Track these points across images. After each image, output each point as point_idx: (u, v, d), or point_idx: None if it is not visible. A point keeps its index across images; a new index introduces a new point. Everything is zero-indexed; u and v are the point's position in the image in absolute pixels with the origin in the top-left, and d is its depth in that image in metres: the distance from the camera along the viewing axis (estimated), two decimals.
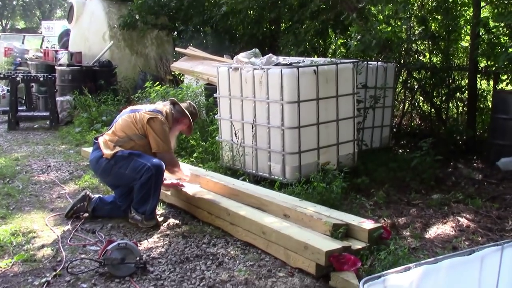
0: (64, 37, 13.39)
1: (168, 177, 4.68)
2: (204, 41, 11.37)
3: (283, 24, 10.83)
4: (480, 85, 8.17)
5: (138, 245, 3.83)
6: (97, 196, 4.61)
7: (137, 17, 11.25)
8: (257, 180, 5.45)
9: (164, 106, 4.54)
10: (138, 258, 3.43)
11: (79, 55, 10.69)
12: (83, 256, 3.71)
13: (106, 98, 9.12)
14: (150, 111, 4.39)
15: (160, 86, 7.73)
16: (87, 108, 8.88)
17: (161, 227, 4.33)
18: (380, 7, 7.39)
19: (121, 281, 3.32)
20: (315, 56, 9.25)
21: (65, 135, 8.42)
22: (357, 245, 3.60)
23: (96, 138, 4.52)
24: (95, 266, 3.47)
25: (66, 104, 9.40)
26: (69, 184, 5.64)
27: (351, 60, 5.69)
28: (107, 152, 4.27)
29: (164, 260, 3.67)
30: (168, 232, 4.22)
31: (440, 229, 4.34)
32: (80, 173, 6.07)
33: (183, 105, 4.68)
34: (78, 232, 4.19)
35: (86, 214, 4.52)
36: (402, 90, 8.86)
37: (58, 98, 9.50)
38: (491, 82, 7.95)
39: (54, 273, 3.41)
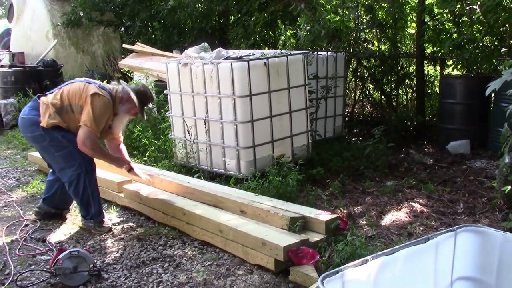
0: (5, 37, 12.89)
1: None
2: (153, 37, 11.16)
3: (232, 17, 10.75)
4: (428, 71, 8.38)
5: (91, 251, 3.69)
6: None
7: (81, 14, 10.92)
8: (212, 176, 5.38)
9: (115, 86, 4.22)
10: (91, 266, 3.30)
11: (22, 55, 10.28)
12: (33, 267, 3.55)
13: None
14: (101, 87, 4.05)
15: None
16: None
17: (115, 231, 4.19)
18: None
19: None
20: (266, 48, 9.24)
21: (11, 139, 8.08)
22: (315, 237, 3.60)
23: (39, 97, 4.11)
24: (46, 277, 3.31)
25: (10, 107, 9.03)
26: (16, 191, 5.39)
27: (301, 52, 5.68)
28: (45, 119, 3.92)
29: (119, 265, 3.55)
30: (122, 236, 4.09)
31: (395, 216, 4.39)
32: (28, 179, 5.82)
33: (132, 86, 4.31)
34: (27, 242, 4.00)
35: (35, 223, 4.33)
36: (353, 79, 8.98)
37: (1, 101, 9.14)
38: (438, 68, 8.16)
39: (2, 287, 3.23)
